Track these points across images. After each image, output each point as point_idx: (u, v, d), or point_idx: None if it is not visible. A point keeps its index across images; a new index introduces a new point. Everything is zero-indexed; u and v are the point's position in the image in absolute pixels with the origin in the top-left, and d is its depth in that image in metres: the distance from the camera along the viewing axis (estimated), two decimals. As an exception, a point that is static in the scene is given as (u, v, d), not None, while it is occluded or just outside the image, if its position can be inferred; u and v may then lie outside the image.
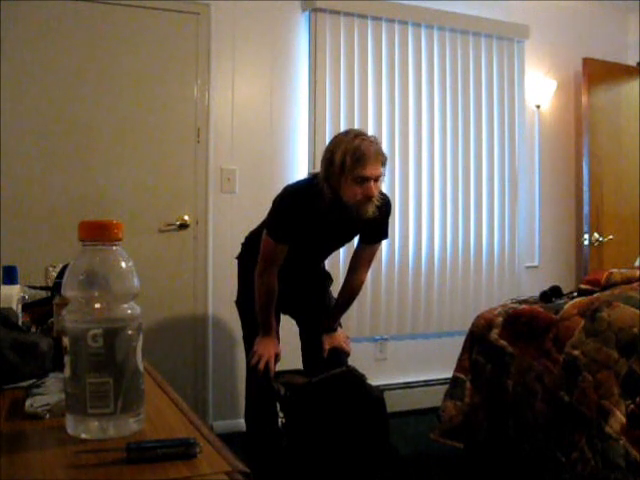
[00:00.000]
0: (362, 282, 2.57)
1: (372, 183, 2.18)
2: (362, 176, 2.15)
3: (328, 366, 2.40)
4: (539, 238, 4.28)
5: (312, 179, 2.38)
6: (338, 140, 2.24)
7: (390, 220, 2.48)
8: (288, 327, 2.67)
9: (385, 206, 2.35)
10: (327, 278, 2.73)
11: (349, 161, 2.14)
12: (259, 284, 2.36)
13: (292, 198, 2.32)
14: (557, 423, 2.25)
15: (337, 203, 2.23)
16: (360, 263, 2.52)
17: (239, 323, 2.64)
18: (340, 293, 2.58)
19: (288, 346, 2.56)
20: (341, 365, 2.46)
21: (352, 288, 2.55)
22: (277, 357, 2.45)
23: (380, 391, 2.35)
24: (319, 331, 2.55)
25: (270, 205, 2.43)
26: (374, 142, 2.21)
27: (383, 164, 2.22)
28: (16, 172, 3.05)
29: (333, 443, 2.15)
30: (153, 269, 3.24)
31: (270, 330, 2.43)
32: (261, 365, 2.38)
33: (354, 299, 2.59)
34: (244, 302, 2.57)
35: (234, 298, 2.67)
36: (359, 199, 2.19)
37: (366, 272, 2.56)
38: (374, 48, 3.73)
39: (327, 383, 2.25)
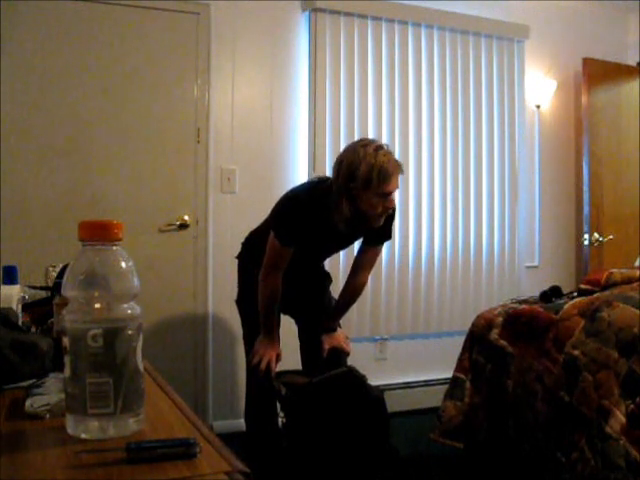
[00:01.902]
0: (364, 284, 2.57)
1: (392, 197, 2.22)
2: (387, 192, 2.19)
3: (328, 366, 2.40)
4: (539, 238, 4.28)
5: (317, 183, 2.39)
6: (359, 152, 2.17)
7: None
8: (288, 327, 2.67)
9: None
10: (326, 278, 2.73)
11: (375, 178, 2.14)
12: (263, 286, 2.36)
13: (301, 202, 2.32)
14: (557, 423, 2.25)
15: (354, 213, 2.24)
16: (363, 264, 2.52)
17: (239, 323, 2.64)
18: (341, 294, 2.58)
19: (288, 347, 2.55)
20: (341, 365, 2.46)
21: (354, 289, 2.55)
22: (278, 357, 2.44)
23: (380, 391, 2.35)
24: (318, 331, 2.55)
25: (270, 205, 2.42)
26: (392, 154, 2.22)
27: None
28: (16, 172, 3.05)
29: (333, 443, 2.15)
30: (153, 269, 3.24)
31: (272, 331, 2.43)
32: (262, 365, 2.38)
33: (355, 300, 2.60)
34: (244, 301, 2.57)
35: (234, 298, 2.67)
36: (379, 212, 2.22)
37: (368, 273, 2.56)
38: (374, 48, 3.73)
39: (327, 383, 2.25)
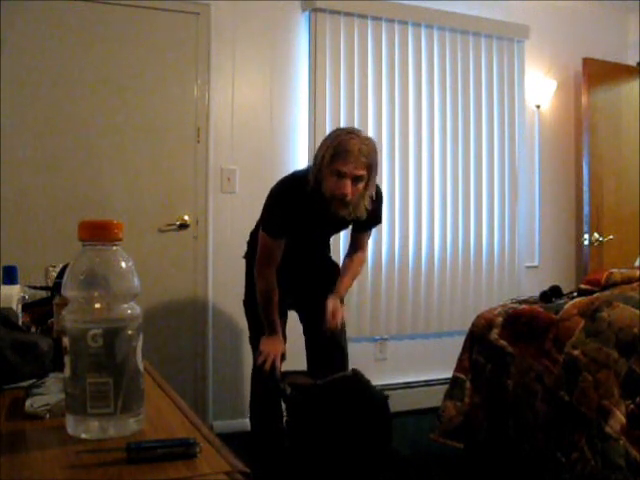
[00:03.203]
0: (362, 261, 2.61)
1: (348, 181, 2.17)
2: (338, 170, 2.16)
3: (328, 365, 2.40)
4: (539, 238, 4.27)
5: (305, 170, 2.41)
6: (331, 133, 2.29)
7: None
8: (293, 327, 2.65)
9: (376, 195, 2.36)
10: (334, 269, 2.67)
11: (330, 153, 2.16)
12: (259, 281, 2.36)
13: (283, 190, 2.33)
14: (557, 423, 2.25)
15: (318, 194, 2.24)
16: (355, 248, 2.57)
17: (239, 323, 2.64)
18: (342, 267, 2.59)
19: (294, 348, 2.54)
20: (340, 365, 2.45)
21: (352, 261, 2.56)
22: (283, 356, 2.43)
23: (384, 395, 2.34)
24: (323, 329, 2.53)
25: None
26: (365, 143, 2.19)
27: (368, 167, 2.19)
28: (16, 172, 3.05)
29: (336, 445, 2.15)
30: (153, 269, 3.24)
31: (275, 328, 2.41)
32: (267, 364, 2.37)
33: (358, 272, 2.60)
34: (251, 301, 2.55)
35: (234, 298, 2.65)
36: (335, 194, 2.19)
37: (363, 254, 2.61)
38: (374, 48, 3.73)
39: (332, 386, 2.24)
